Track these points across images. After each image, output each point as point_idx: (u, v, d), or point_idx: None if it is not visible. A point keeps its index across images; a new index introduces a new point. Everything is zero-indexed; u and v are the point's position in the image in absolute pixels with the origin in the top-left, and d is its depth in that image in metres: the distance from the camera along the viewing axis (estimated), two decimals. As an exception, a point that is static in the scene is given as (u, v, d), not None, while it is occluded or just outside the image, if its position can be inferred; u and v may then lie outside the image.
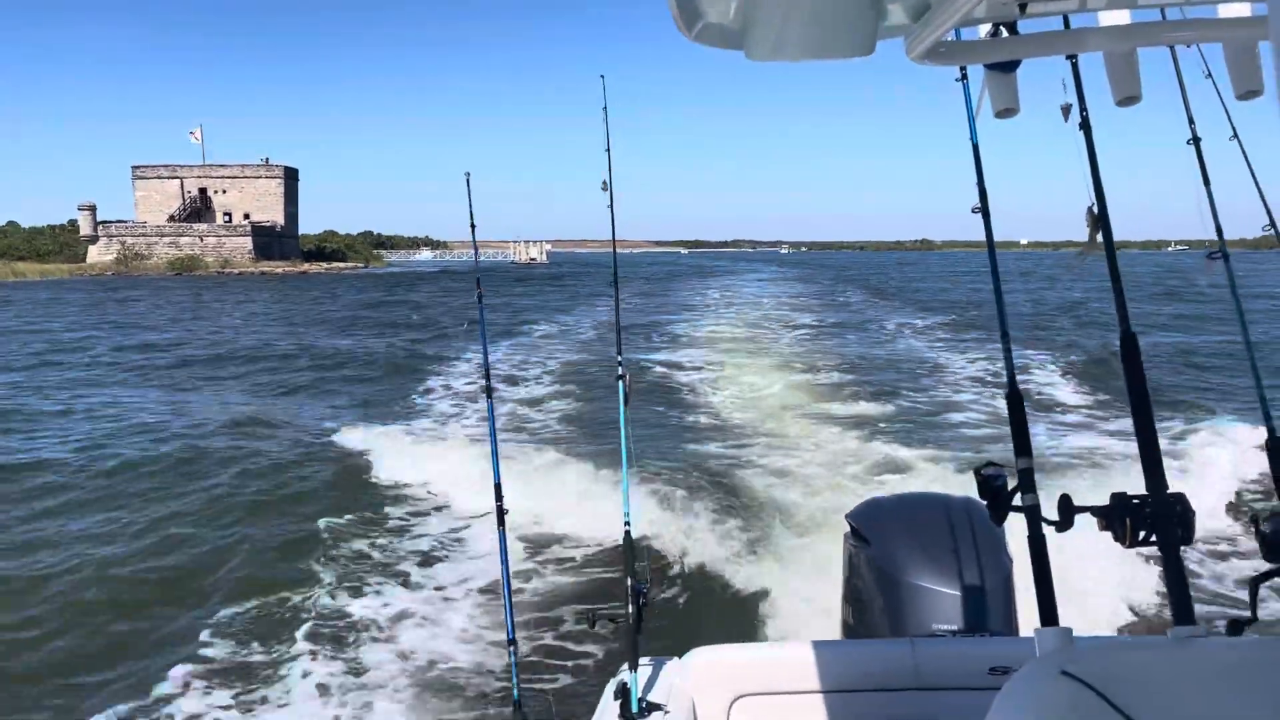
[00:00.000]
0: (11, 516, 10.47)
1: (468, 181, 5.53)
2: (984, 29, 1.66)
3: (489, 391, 4.79)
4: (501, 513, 4.16)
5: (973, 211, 2.40)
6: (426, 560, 8.77)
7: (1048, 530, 1.76)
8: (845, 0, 1.41)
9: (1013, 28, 1.61)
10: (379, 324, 36.69)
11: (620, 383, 4.36)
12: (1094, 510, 1.67)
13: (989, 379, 18.14)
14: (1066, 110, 1.98)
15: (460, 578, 8.30)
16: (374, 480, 11.37)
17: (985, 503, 1.87)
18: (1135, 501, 1.66)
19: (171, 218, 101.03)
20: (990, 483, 1.85)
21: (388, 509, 10.27)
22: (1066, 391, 17.00)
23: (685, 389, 18.20)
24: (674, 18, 1.48)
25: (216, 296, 56.92)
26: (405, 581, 8.24)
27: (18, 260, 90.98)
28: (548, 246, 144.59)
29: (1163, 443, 1.83)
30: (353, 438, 13.31)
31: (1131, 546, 1.66)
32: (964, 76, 2.35)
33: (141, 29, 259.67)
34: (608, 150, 5.33)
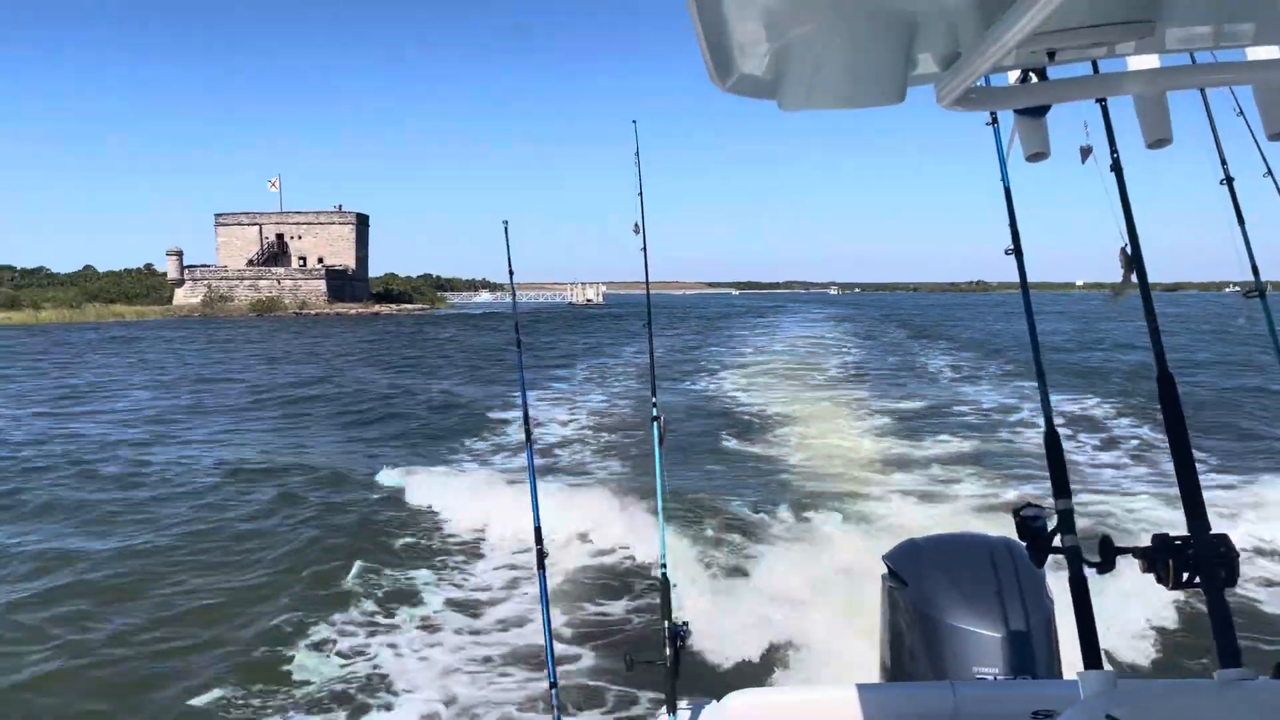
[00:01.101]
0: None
1: (505, 230, 5.61)
2: (1013, 75, 1.66)
3: (528, 436, 4.76)
4: (541, 555, 4.10)
5: (1006, 253, 2.43)
6: (466, 602, 8.69)
7: (1089, 572, 1.72)
8: (876, 50, 1.42)
9: (1042, 73, 1.61)
10: (438, 363, 37.23)
11: (655, 424, 4.40)
12: (1136, 552, 1.62)
13: (1027, 418, 17.85)
14: (1086, 152, 1.97)
15: (500, 619, 8.22)
16: (414, 520, 11.34)
17: (1024, 544, 1.84)
18: (1178, 543, 1.60)
19: (250, 262, 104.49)
20: (1029, 524, 1.81)
21: (427, 550, 10.24)
22: (1107, 431, 16.63)
23: (724, 426, 18.08)
24: (708, 71, 1.49)
25: (314, 335, 58.90)
26: (445, 623, 8.16)
27: (109, 303, 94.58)
28: (603, 288, 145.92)
29: (1204, 483, 1.72)
30: (394, 477, 13.33)
31: (1175, 589, 1.60)
32: (994, 121, 2.37)
33: (219, 78, 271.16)
34: (639, 194, 5.41)
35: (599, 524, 10.25)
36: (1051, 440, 1.97)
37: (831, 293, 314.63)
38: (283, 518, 11.72)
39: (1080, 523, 1.82)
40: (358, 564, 9.68)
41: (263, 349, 46.99)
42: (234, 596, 8.98)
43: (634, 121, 5.71)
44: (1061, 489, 1.85)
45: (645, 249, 5.50)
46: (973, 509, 10.76)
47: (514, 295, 6.01)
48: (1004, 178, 2.40)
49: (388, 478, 13.47)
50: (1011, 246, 2.41)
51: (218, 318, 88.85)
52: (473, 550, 10.15)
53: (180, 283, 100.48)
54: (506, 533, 10.29)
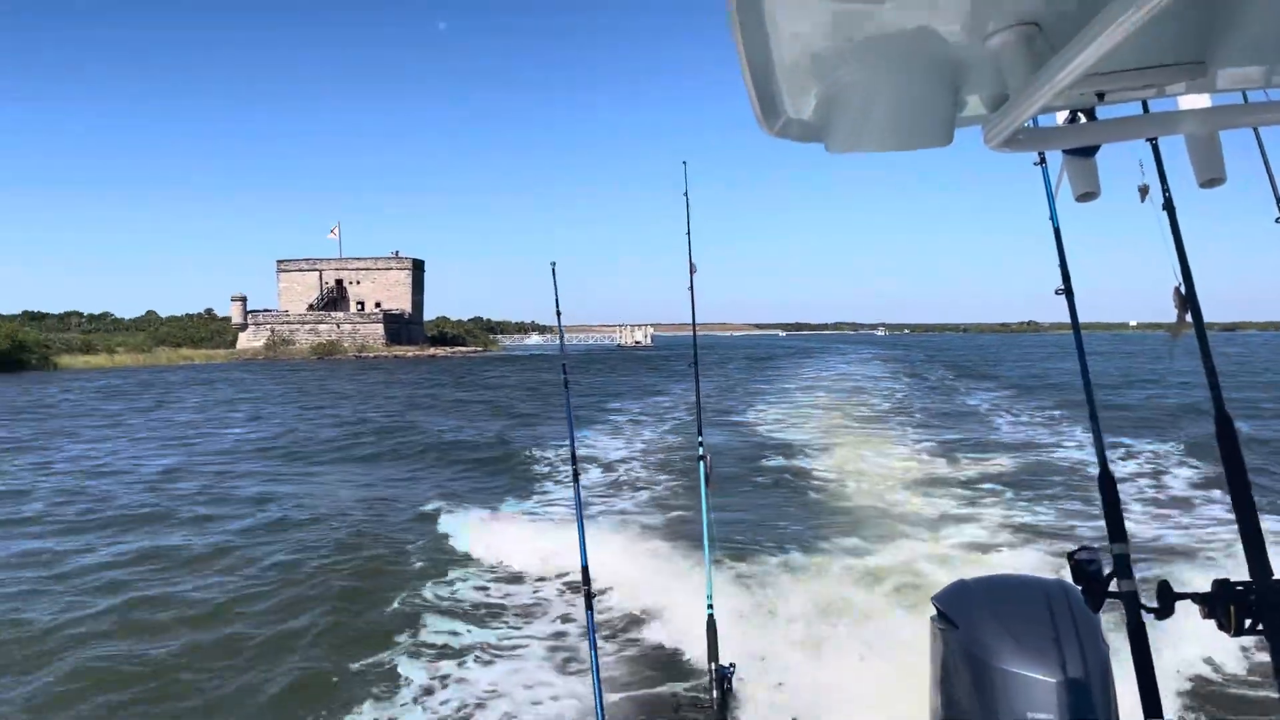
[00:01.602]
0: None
1: (553, 271, 5.67)
2: (1062, 115, 1.64)
3: (575, 476, 4.78)
4: (589, 596, 4.09)
5: (1056, 293, 2.38)
6: (513, 641, 8.66)
7: (1147, 617, 1.67)
8: (923, 94, 1.42)
9: (1091, 113, 1.58)
10: (490, 402, 37.50)
11: (701, 463, 4.46)
12: (1195, 597, 1.57)
13: (1079, 458, 17.46)
14: (1144, 191, 1.94)
15: (547, 658, 8.18)
16: (461, 558, 11.33)
17: (1080, 588, 1.79)
18: (1239, 588, 1.54)
19: (311, 306, 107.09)
20: (1084, 568, 1.77)
21: (474, 588, 10.24)
22: (1164, 472, 16.15)
23: (769, 464, 17.94)
24: (755, 116, 1.50)
25: (378, 377, 59.78)
26: (492, 662, 8.14)
27: (176, 346, 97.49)
28: (651, 330, 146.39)
29: (1265, 526, 1.67)
30: (443, 515, 13.39)
31: (1237, 635, 1.53)
32: (1042, 160, 2.33)
33: (282, 131, 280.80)
34: (688, 234, 5.55)
35: (646, 563, 10.20)
36: (1106, 482, 1.93)
37: (879, 334, 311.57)
38: (328, 553, 11.80)
39: (1137, 566, 1.77)
40: (403, 600, 9.69)
41: (334, 390, 47.97)
42: (268, 634, 9.00)
43: (684, 162, 5.89)
44: (1117, 532, 1.81)
45: (692, 287, 5.59)
46: (1023, 550, 10.53)
47: (561, 335, 6.01)
48: (1053, 217, 2.37)
49: (436, 515, 13.52)
50: (1062, 286, 2.38)
51: (280, 360, 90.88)
52: (520, 589, 10.15)
53: (244, 327, 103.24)
54: (554, 572, 10.26)
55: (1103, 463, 2.00)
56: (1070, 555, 1.80)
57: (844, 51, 1.33)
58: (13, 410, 36.69)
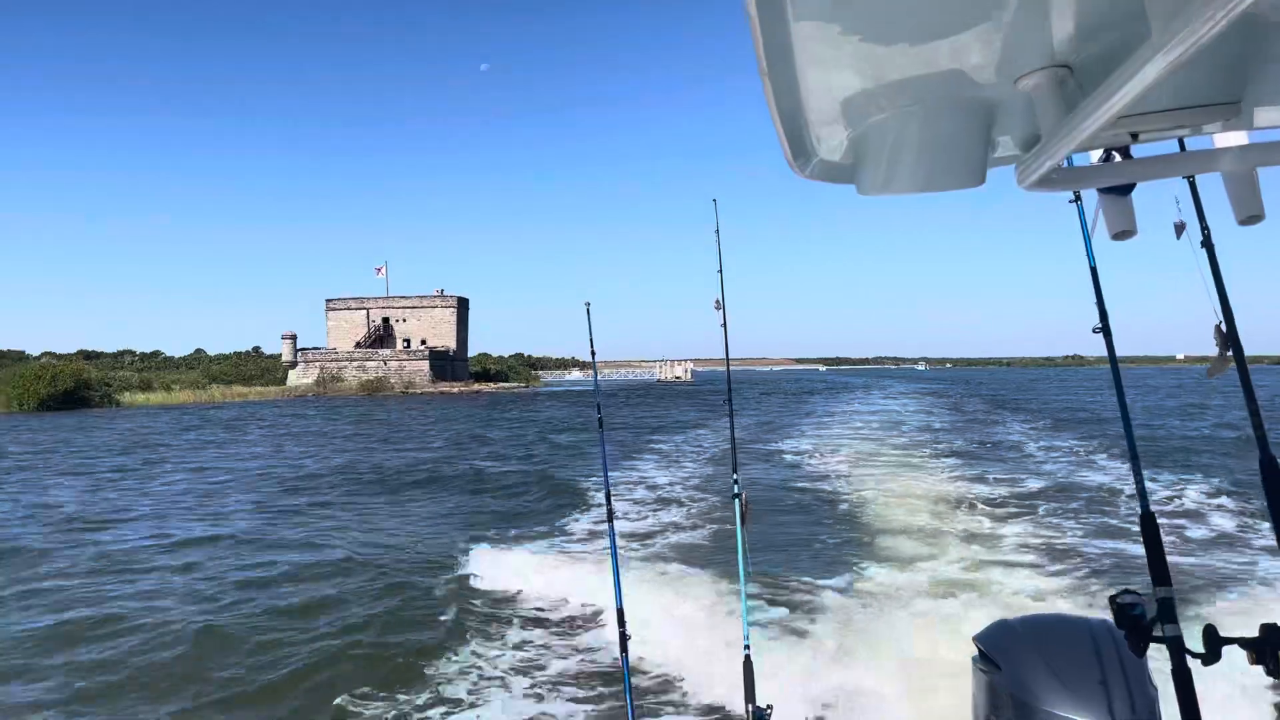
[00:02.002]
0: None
1: (588, 311, 5.63)
2: (1096, 154, 1.61)
3: (610, 516, 4.73)
4: (624, 638, 4.04)
5: (1094, 332, 2.33)
6: (547, 680, 8.61)
7: (1192, 663, 1.61)
8: (954, 136, 1.40)
9: (1126, 151, 1.54)
10: (532, 438, 37.55)
11: (736, 502, 4.38)
12: (1243, 642, 1.53)
13: (1119, 496, 16.97)
14: (1180, 228, 1.89)
15: (581, 699, 8.11)
16: (495, 598, 11.21)
17: (1123, 632, 1.74)
18: None
19: (358, 344, 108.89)
20: (1127, 611, 1.71)
21: (507, 628, 10.14)
22: (1208, 511, 15.64)
23: (806, 499, 17.76)
24: (786, 159, 1.48)
25: (433, 413, 60.30)
26: (525, 701, 8.08)
27: (228, 384, 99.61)
28: (690, 365, 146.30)
29: None
30: (477, 553, 13.30)
31: None
32: (1077, 198, 2.29)
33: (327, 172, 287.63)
34: (719, 271, 5.46)
35: (681, 603, 10.07)
36: (1148, 523, 1.87)
37: (919, 368, 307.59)
38: (362, 592, 11.75)
39: (1181, 609, 1.72)
40: (436, 640, 9.61)
41: (389, 426, 48.63)
42: (302, 670, 9.03)
43: (714, 200, 5.79)
44: (1160, 575, 1.75)
45: (725, 325, 5.48)
46: (1062, 587, 10.33)
47: (595, 376, 6.05)
48: (1089, 256, 2.33)
49: (470, 553, 13.46)
50: (1100, 325, 2.33)
51: (330, 397, 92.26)
52: (554, 629, 10.06)
53: (294, 364, 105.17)
54: (588, 610, 10.16)
55: (1144, 503, 1.95)
56: (1112, 599, 1.76)
57: (874, 95, 1.33)
58: (116, 438, 38.31)
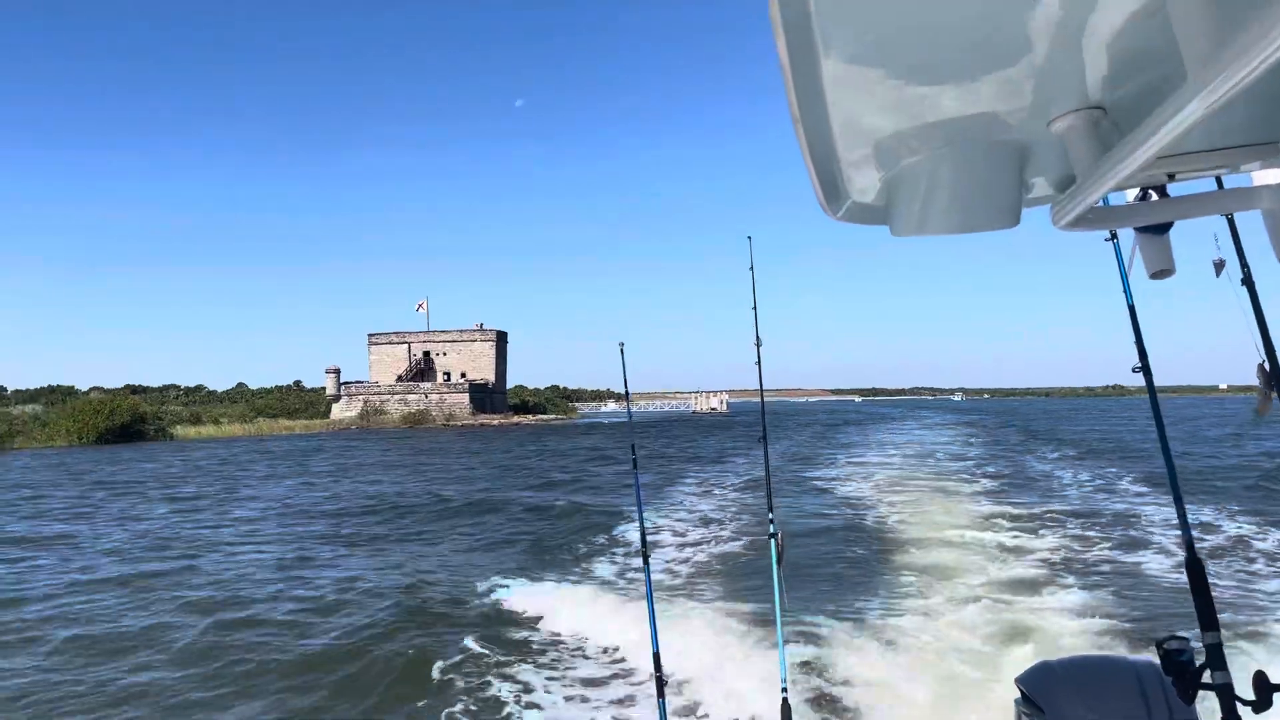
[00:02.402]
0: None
1: (621, 352, 5.65)
2: (1132, 193, 1.58)
3: (645, 559, 4.64)
4: (661, 683, 3.96)
5: (1133, 371, 2.29)
6: (583, 723, 8.30)
7: (1243, 710, 1.58)
8: (988, 177, 1.40)
9: (1163, 190, 1.51)
10: (572, 469, 37.58)
11: (772, 541, 4.32)
12: None
13: (1161, 534, 16.17)
14: (1219, 265, 1.85)
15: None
16: (528, 640, 10.94)
17: (1171, 679, 1.70)
18: None
19: (400, 377, 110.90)
20: (1174, 658, 1.66)
21: (541, 671, 9.81)
22: (1257, 552, 14.92)
23: (842, 534, 17.46)
24: (819, 201, 1.48)
25: (479, 445, 60.32)
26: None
27: (273, 417, 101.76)
28: (725, 396, 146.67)
29: None
30: (511, 592, 13.15)
31: None
32: (1114, 236, 2.25)
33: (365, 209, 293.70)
34: (754, 308, 5.40)
35: (717, 644, 9.73)
36: (1194, 568, 1.83)
37: (956, 399, 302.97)
38: (389, 628, 11.62)
39: (1230, 656, 1.68)
40: (466, 683, 9.37)
41: (442, 455, 49.16)
42: (323, 697, 9.19)
43: (749, 237, 5.72)
44: (1208, 620, 1.72)
45: (760, 362, 5.39)
46: (1106, 631, 9.79)
47: (630, 418, 6.00)
48: (1127, 294, 2.26)
49: (505, 592, 13.24)
50: (1139, 365, 2.26)
51: (374, 429, 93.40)
52: (588, 673, 9.75)
53: (337, 398, 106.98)
54: (623, 654, 9.91)
55: (1189, 546, 1.90)
56: (1159, 644, 1.70)
57: (907, 138, 1.32)
58: (196, 470, 40.98)
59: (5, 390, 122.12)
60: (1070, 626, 10.03)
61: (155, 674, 10.19)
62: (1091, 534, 16.64)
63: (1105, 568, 13.68)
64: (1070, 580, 12.75)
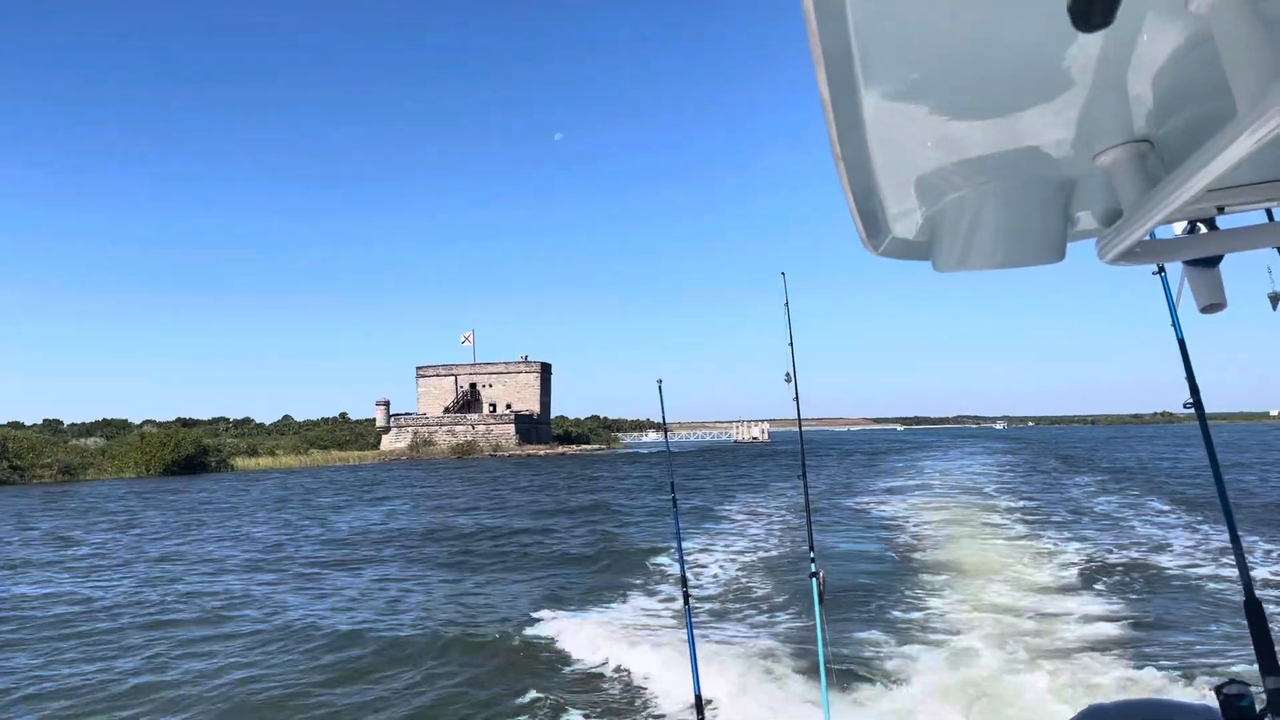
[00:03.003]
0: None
1: (660, 389, 5.70)
2: (1179, 225, 1.53)
3: (686, 599, 4.55)
4: None
5: (1185, 407, 2.24)
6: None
7: None
8: (1032, 212, 1.37)
9: (1211, 223, 1.47)
10: (619, 500, 37.65)
11: (814, 581, 4.23)
12: None
13: (1219, 568, 15.47)
14: (1275, 299, 1.79)
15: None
16: (566, 677, 10.77)
17: None
18: None
19: (447, 409, 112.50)
20: (1234, 703, 1.61)
21: (579, 710, 9.55)
22: None
23: (885, 569, 17.04)
24: (860, 237, 1.46)
25: (532, 475, 60.39)
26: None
27: (324, 448, 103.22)
28: (767, 426, 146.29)
29: None
30: (551, 627, 12.98)
31: None
32: (1162, 270, 2.20)
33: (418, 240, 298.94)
34: (790, 344, 5.34)
35: (758, 686, 9.43)
36: (1253, 608, 1.79)
37: (998, 427, 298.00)
38: (430, 663, 11.51)
39: None
40: (511, 710, 9.23)
41: (497, 484, 49.94)
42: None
43: (783, 274, 5.62)
44: (1269, 664, 1.68)
45: (797, 398, 5.30)
46: (1158, 673, 9.35)
47: (669, 459, 6.01)
48: (1176, 328, 2.19)
49: (544, 627, 13.10)
50: (1191, 400, 2.19)
51: (423, 460, 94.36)
52: (628, 711, 9.48)
53: (387, 429, 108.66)
54: (663, 694, 9.65)
55: (1248, 588, 1.86)
56: (1218, 689, 1.64)
57: (949, 173, 1.30)
58: (277, 500, 42.91)
59: (62, 424, 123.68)
60: (1123, 669, 9.60)
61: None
62: (1142, 569, 16.00)
63: (1158, 606, 13.10)
64: (1122, 619, 12.16)
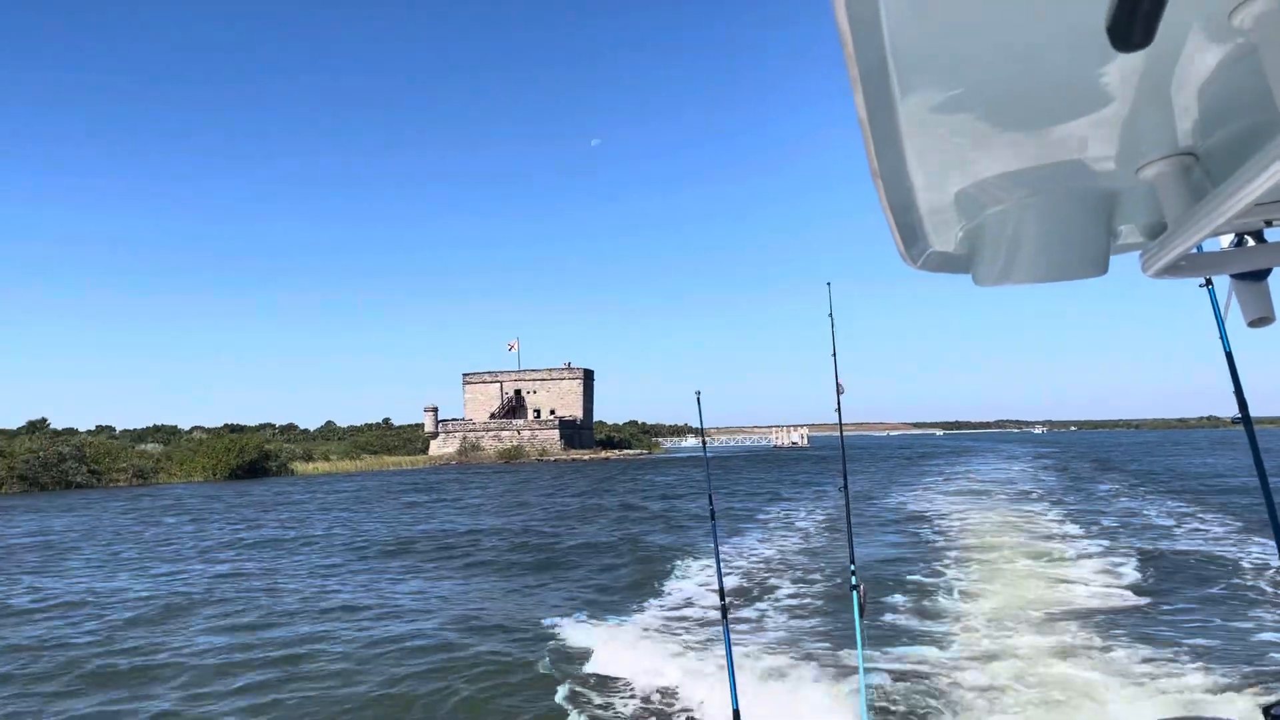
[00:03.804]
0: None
1: (698, 400, 5.60)
2: (1226, 238, 1.47)
3: (724, 613, 4.46)
4: None
5: (1233, 423, 2.31)
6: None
7: None
8: (1074, 226, 1.34)
9: (1259, 235, 1.41)
10: (655, 507, 38.00)
11: (854, 593, 4.14)
12: None
13: (1266, 582, 14.91)
14: None
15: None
16: (598, 686, 10.56)
17: None
18: None
19: (492, 415, 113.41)
20: None
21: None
22: None
23: (924, 580, 16.46)
24: (898, 250, 1.44)
25: (587, 479, 60.57)
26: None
27: (374, 454, 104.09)
28: (806, 431, 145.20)
29: None
30: (583, 635, 12.80)
31: None
32: (1209, 282, 2.15)
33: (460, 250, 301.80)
34: (834, 355, 5.21)
35: (797, 700, 9.18)
36: None
37: (1037, 432, 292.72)
38: (451, 675, 11.35)
39: None
40: None
41: (553, 488, 50.47)
42: None
43: (828, 284, 5.55)
44: None
45: (840, 409, 5.21)
46: (1209, 695, 8.98)
47: (708, 471, 6.10)
48: (1223, 341, 2.13)
49: (575, 635, 12.91)
50: (1239, 416, 2.12)
51: (473, 464, 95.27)
52: None
53: (435, 435, 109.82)
54: (697, 706, 9.36)
55: None
56: (1267, 710, 1.60)
57: (989, 188, 1.28)
58: (354, 500, 44.68)
59: (115, 430, 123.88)
60: (1169, 687, 9.30)
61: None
62: (1187, 583, 15.42)
63: (1204, 622, 12.59)
64: (1167, 636, 11.74)
